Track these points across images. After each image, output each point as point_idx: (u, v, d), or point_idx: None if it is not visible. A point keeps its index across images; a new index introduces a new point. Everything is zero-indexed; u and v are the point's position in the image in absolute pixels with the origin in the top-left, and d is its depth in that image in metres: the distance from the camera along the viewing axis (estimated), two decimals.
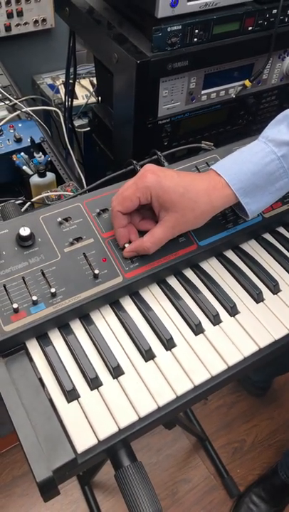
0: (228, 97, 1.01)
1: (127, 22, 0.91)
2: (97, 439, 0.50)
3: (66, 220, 0.62)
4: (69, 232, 0.61)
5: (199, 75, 0.94)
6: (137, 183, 0.58)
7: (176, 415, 0.77)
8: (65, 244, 0.60)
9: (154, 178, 0.57)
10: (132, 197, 0.58)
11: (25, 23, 1.59)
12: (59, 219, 0.61)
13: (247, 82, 1.00)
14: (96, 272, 0.58)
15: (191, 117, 0.99)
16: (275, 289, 0.65)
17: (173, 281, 0.64)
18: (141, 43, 0.86)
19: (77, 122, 1.57)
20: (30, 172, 1.03)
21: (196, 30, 0.86)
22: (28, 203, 0.98)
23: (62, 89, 1.63)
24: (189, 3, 0.83)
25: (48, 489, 0.48)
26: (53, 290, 0.56)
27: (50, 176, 1.03)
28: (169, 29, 0.83)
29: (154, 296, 0.62)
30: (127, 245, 0.61)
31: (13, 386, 0.52)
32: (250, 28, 0.91)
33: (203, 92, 0.98)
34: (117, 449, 0.53)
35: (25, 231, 0.58)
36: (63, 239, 0.61)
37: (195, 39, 0.87)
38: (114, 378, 0.55)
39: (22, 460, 1.42)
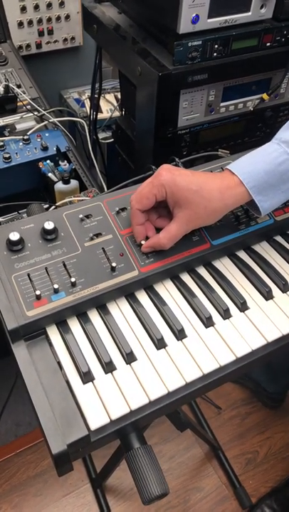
0: (246, 110, 1.06)
1: (150, 38, 0.97)
2: (110, 418, 0.53)
3: (87, 217, 0.66)
4: (90, 228, 0.65)
5: (218, 87, 0.99)
6: (153, 181, 0.62)
7: (186, 403, 0.80)
8: (85, 239, 0.65)
9: (168, 176, 0.61)
10: (149, 194, 0.62)
11: (55, 41, 1.67)
12: (81, 216, 0.66)
13: (265, 96, 1.04)
14: (113, 265, 0.62)
15: (209, 128, 1.04)
16: (284, 287, 0.67)
17: (186, 278, 0.68)
18: (163, 57, 0.91)
19: (101, 135, 1.63)
20: (55, 179, 1.09)
21: (216, 46, 0.91)
22: (53, 207, 1.03)
23: (87, 104, 1.70)
24: (209, 20, 0.88)
25: (63, 462, 0.51)
26: (73, 280, 0.60)
27: (74, 183, 1.08)
28: (189, 44, 0.88)
29: (167, 291, 0.66)
30: (143, 242, 0.65)
31: (33, 367, 0.56)
32: (268, 44, 0.96)
33: (222, 104, 1.02)
34: (128, 431, 0.56)
35: (49, 225, 0.63)
36: (84, 234, 0.65)
37: (214, 54, 0.92)
38: (127, 364, 0.58)
39: (37, 461, 1.45)
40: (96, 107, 1.32)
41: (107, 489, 1.40)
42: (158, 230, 0.66)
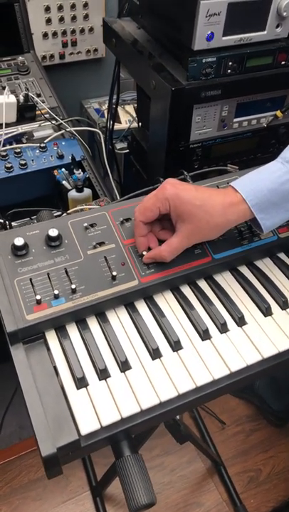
0: (260, 126, 1.06)
1: (166, 53, 0.99)
2: (100, 424, 0.54)
3: (92, 225, 0.68)
4: (93, 236, 0.67)
5: (232, 103, 1.00)
6: (157, 194, 0.64)
7: (179, 414, 0.80)
8: (88, 247, 0.66)
9: (173, 190, 0.63)
10: (153, 207, 0.63)
11: (78, 52, 1.71)
12: (85, 224, 0.67)
13: (279, 113, 1.04)
14: (114, 274, 0.64)
15: (222, 143, 1.05)
16: (283, 304, 0.67)
17: (186, 290, 0.68)
18: (178, 72, 0.93)
19: (119, 145, 1.66)
20: (68, 187, 1.11)
21: (230, 63, 0.92)
22: (64, 215, 1.05)
23: (110, 118, 1.74)
24: (224, 38, 0.89)
25: (52, 465, 0.52)
26: (73, 286, 0.62)
27: (87, 191, 1.11)
28: (204, 61, 0.89)
29: (166, 302, 0.67)
30: (145, 253, 0.66)
31: (29, 370, 0.57)
32: (283, 63, 0.96)
33: (235, 120, 1.03)
34: (119, 438, 0.57)
35: (53, 232, 0.64)
36: (87, 242, 0.66)
37: (228, 70, 0.93)
38: (121, 372, 0.59)
39: (38, 464, 1.46)
40: (113, 118, 1.34)
41: (107, 498, 1.40)
42: (160, 241, 0.67)
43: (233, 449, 1.52)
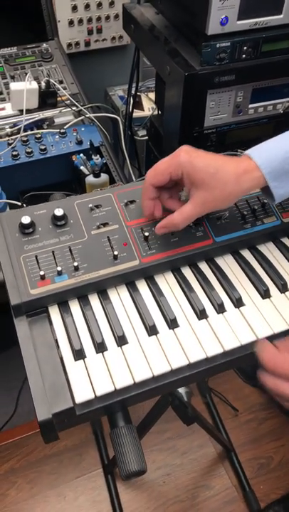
0: (276, 112, 1.05)
1: (182, 38, 0.99)
2: (95, 394, 0.57)
3: (97, 206, 0.70)
4: (98, 217, 0.69)
5: (247, 89, 0.99)
6: (170, 159, 0.64)
7: (171, 390, 0.82)
8: (92, 227, 0.68)
9: (186, 157, 0.63)
10: (164, 172, 0.64)
11: (104, 40, 1.73)
12: (91, 205, 0.70)
13: None
14: (116, 253, 0.66)
15: (236, 129, 1.05)
16: (283, 287, 0.68)
17: (186, 271, 0.70)
18: (192, 58, 0.93)
19: (141, 132, 1.67)
20: (86, 172, 1.13)
21: (245, 48, 0.92)
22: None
23: (131, 103, 1.75)
24: (239, 22, 0.89)
25: (48, 430, 0.55)
26: (76, 264, 0.64)
27: (104, 176, 1.13)
28: (218, 45, 0.89)
29: (166, 282, 0.68)
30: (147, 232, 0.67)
31: (31, 341, 0.60)
32: None
33: (250, 106, 1.03)
34: (114, 409, 0.60)
35: (59, 212, 0.67)
36: (92, 223, 0.69)
37: (243, 55, 0.92)
38: (118, 346, 0.61)
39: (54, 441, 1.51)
40: (132, 104, 1.35)
41: (118, 476, 1.44)
42: (166, 211, 0.68)
43: (245, 436, 1.53)
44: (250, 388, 1.62)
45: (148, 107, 1.77)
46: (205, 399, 1.58)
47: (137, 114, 1.65)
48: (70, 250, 0.66)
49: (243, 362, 0.63)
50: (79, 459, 1.47)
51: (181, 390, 0.90)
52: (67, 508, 1.39)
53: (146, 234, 0.68)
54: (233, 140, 1.06)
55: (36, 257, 0.65)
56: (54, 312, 0.65)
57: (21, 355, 0.59)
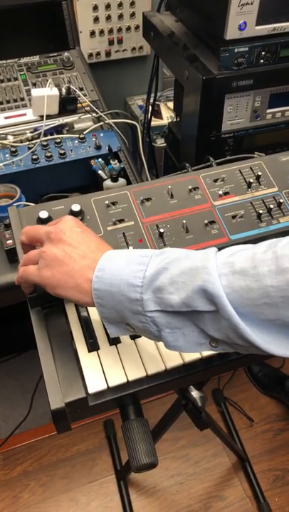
0: None
1: (201, 44, 1.01)
2: (107, 385, 0.57)
3: (113, 203, 0.71)
4: (114, 214, 0.70)
5: (265, 94, 1.00)
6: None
7: (183, 386, 0.81)
8: (108, 224, 0.69)
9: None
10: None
11: (124, 50, 1.76)
12: (107, 202, 0.71)
13: None
14: (131, 249, 0.66)
15: (254, 134, 1.05)
16: None
17: None
18: (210, 63, 0.95)
19: (160, 141, 1.69)
20: (104, 176, 1.15)
21: (263, 53, 0.93)
22: None
23: (150, 111, 1.78)
24: (257, 28, 0.90)
25: (60, 419, 0.56)
26: None
27: (122, 181, 1.14)
28: (236, 50, 0.91)
29: None
30: None
31: (45, 331, 0.61)
32: None
33: (268, 110, 1.03)
34: (126, 402, 0.60)
35: (76, 207, 0.68)
36: (108, 219, 0.70)
37: (261, 60, 0.94)
38: (131, 339, 0.62)
39: (67, 445, 1.51)
40: (151, 111, 1.37)
41: (131, 483, 1.43)
42: None
43: (260, 446, 1.50)
44: (266, 399, 1.60)
45: (167, 116, 1.80)
46: (220, 408, 1.57)
47: (155, 122, 1.68)
48: None
49: (256, 358, 0.63)
50: (92, 463, 1.46)
51: (196, 395, 0.89)
52: None
53: (162, 230, 0.68)
54: (250, 145, 1.07)
55: None
56: (69, 306, 0.66)
57: (35, 358, 0.60)
